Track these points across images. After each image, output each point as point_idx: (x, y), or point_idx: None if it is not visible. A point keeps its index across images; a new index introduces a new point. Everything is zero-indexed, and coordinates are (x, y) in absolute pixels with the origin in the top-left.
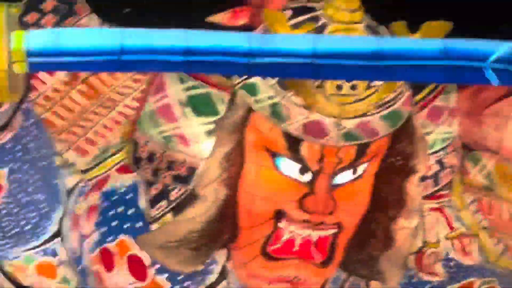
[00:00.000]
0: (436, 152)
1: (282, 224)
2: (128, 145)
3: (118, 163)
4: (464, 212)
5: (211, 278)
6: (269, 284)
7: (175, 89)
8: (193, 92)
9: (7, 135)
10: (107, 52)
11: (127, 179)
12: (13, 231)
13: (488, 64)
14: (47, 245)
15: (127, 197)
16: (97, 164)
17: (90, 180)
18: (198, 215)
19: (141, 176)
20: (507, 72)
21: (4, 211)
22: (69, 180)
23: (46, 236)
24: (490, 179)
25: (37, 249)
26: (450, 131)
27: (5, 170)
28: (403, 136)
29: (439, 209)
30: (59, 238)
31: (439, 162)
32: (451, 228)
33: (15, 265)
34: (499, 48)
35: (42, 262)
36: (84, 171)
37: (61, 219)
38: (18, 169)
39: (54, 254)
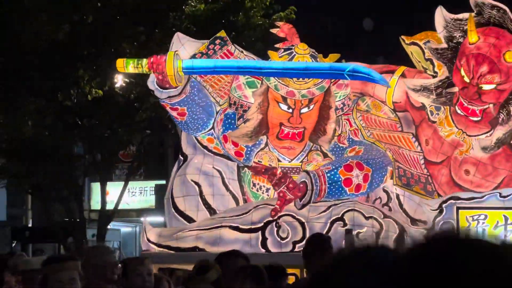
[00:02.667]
0: (339, 99)
1: (283, 127)
2: None
3: None
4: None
5: None
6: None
7: None
8: None
9: (183, 95)
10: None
11: None
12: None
13: (345, 72)
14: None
15: None
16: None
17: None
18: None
19: None
20: (352, 76)
21: (189, 123)
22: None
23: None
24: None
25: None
26: (347, 91)
27: (185, 107)
28: (326, 94)
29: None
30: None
31: (343, 103)
32: None
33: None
34: (348, 66)
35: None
36: (221, 104)
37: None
38: (191, 106)
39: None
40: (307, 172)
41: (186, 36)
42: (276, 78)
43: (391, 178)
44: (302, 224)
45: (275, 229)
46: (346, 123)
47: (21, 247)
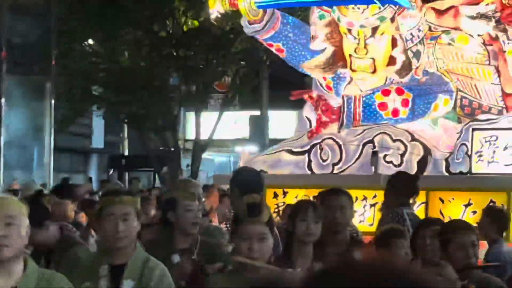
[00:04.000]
0: (407, 30)
1: (352, 58)
2: None
3: None
4: None
5: None
6: None
7: None
8: None
9: (271, 31)
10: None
11: None
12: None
13: None
14: None
15: None
16: None
17: None
18: None
19: None
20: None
21: (290, 59)
22: None
23: None
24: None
25: None
26: (414, 23)
27: (280, 43)
28: (392, 25)
29: None
30: None
31: (412, 34)
32: None
33: None
34: None
35: None
36: None
37: None
38: (286, 43)
39: None
40: (344, 96)
41: None
42: (337, 9)
43: (453, 108)
44: (339, 146)
45: (319, 151)
46: (426, 55)
47: (118, 174)
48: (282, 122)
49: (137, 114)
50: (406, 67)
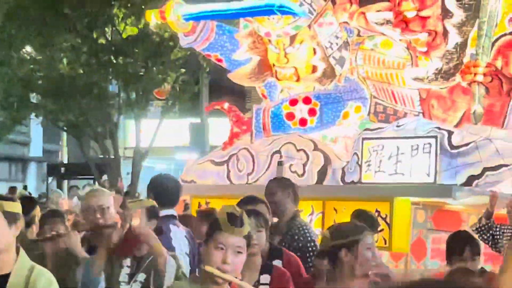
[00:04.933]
0: (325, 38)
1: (275, 67)
2: None
3: None
4: None
5: None
6: None
7: None
8: None
9: (206, 42)
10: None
11: None
12: None
13: (274, 8)
14: None
15: None
16: None
17: None
18: None
19: None
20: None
21: (228, 66)
22: None
23: None
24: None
25: None
26: (331, 30)
27: (218, 53)
28: (309, 33)
29: None
30: None
31: (330, 42)
32: None
33: None
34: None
35: None
36: None
37: None
38: (224, 52)
39: None
40: (254, 106)
41: None
42: (255, 19)
43: (368, 114)
44: (252, 156)
45: (236, 162)
46: (348, 62)
47: (57, 183)
48: (222, 130)
49: (76, 122)
50: (329, 75)
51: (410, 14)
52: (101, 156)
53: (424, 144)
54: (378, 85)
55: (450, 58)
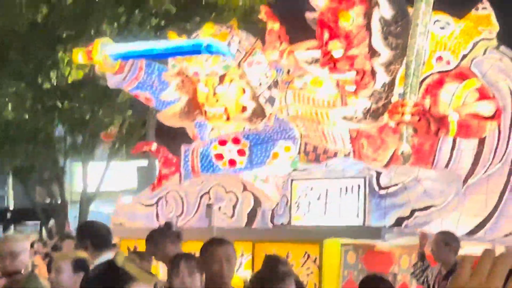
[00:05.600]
0: (255, 77)
1: (205, 107)
2: None
3: None
4: None
5: None
6: None
7: None
8: None
9: (135, 81)
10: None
11: None
12: None
13: (201, 49)
14: None
15: None
16: None
17: None
18: None
19: None
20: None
21: (157, 106)
22: None
23: None
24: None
25: None
26: (261, 68)
27: (148, 92)
28: (239, 72)
29: None
30: None
31: (260, 81)
32: None
33: None
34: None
35: None
36: None
37: None
38: (153, 92)
39: None
40: (183, 147)
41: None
42: (183, 58)
43: (298, 153)
44: (181, 198)
45: (164, 204)
46: (278, 101)
47: (3, 228)
48: None
49: (22, 167)
50: (259, 114)
51: (337, 54)
52: (48, 200)
53: (353, 185)
54: (308, 124)
55: (379, 97)
